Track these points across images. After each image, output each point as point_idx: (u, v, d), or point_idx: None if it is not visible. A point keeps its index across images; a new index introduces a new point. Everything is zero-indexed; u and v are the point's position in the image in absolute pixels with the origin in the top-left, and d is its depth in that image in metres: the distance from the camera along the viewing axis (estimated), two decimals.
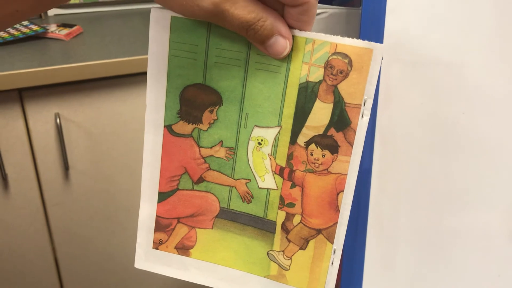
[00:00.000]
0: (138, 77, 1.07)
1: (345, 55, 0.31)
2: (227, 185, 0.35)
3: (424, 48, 0.53)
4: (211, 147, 0.34)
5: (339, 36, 0.32)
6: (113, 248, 1.24)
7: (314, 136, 0.32)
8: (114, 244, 1.23)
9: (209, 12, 0.29)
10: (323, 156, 0.33)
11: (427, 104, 0.54)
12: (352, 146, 0.32)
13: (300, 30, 0.31)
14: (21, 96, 1.00)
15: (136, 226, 1.18)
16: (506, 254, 0.59)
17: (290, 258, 0.36)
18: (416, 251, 0.60)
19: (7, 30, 1.10)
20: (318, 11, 0.63)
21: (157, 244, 0.37)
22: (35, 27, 1.15)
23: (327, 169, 0.33)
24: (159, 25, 0.32)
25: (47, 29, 1.15)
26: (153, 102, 0.34)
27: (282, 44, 0.30)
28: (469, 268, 0.60)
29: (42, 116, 1.03)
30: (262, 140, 0.33)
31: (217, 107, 0.33)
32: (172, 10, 0.30)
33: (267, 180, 0.34)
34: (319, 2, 0.49)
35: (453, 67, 0.52)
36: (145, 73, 1.07)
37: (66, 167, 1.08)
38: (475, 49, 0.52)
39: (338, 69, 0.31)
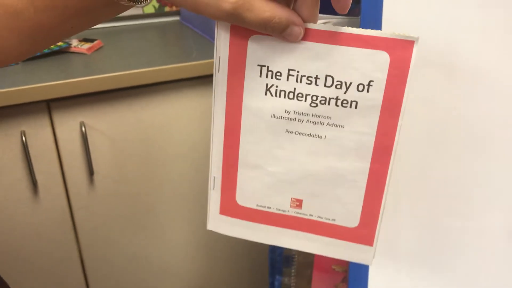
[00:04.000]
0: (156, 87, 1.14)
1: None
2: None
3: (418, 51, 0.59)
4: None
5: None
6: (136, 248, 1.30)
7: None
8: (136, 244, 1.30)
9: (229, 14, 0.34)
10: None
11: (423, 104, 0.60)
12: None
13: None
14: (49, 106, 1.07)
15: (158, 228, 1.25)
16: (506, 252, 0.63)
17: None
18: (416, 249, 0.66)
19: None
20: (323, 20, 0.70)
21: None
22: (59, 43, 1.23)
23: None
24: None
25: (70, 44, 1.23)
26: None
27: (296, 31, 0.36)
28: (469, 265, 0.65)
29: (68, 125, 1.10)
30: None
31: None
32: (196, 12, 0.35)
33: None
34: (323, 13, 0.55)
35: (444, 68, 0.58)
36: (163, 83, 1.14)
37: (91, 172, 1.15)
38: (464, 52, 0.57)
39: None
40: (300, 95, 0.39)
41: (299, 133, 0.40)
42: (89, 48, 1.22)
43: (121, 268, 1.31)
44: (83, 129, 1.10)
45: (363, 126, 0.39)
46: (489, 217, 0.63)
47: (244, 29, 0.37)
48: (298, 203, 0.43)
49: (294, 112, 0.39)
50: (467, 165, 0.61)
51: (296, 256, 0.78)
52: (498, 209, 0.62)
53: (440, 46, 0.57)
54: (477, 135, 0.60)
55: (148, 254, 1.33)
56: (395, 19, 0.57)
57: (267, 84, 0.39)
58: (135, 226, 1.28)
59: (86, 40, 1.27)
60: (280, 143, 0.41)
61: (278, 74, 0.38)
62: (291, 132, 0.40)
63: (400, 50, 0.36)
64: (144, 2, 0.39)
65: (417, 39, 0.36)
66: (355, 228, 0.43)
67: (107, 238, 1.26)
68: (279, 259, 0.81)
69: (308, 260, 0.76)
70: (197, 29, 1.41)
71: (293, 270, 0.78)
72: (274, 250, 0.83)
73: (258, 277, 1.51)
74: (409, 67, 0.37)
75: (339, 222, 0.43)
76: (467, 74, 0.57)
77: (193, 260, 1.40)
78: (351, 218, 0.43)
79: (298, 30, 0.36)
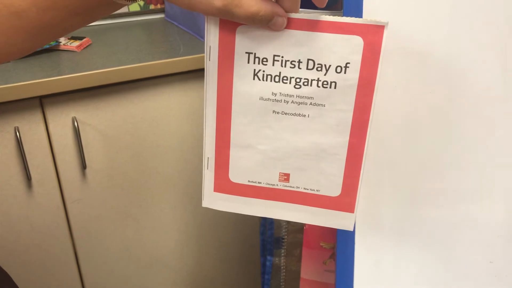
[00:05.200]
0: (146, 82, 1.18)
1: None
2: None
3: (396, 41, 0.64)
4: None
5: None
6: (128, 241, 1.34)
7: None
8: (128, 236, 1.34)
9: (220, 10, 0.38)
10: None
11: (399, 89, 0.65)
12: None
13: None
14: (41, 103, 1.10)
15: (149, 219, 1.30)
16: (499, 242, 0.68)
17: None
18: (399, 227, 0.71)
19: None
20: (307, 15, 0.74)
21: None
22: None
23: None
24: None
25: (60, 42, 1.26)
26: None
27: (280, 21, 0.40)
28: (462, 256, 0.70)
29: (61, 120, 1.13)
30: None
31: None
32: (189, 9, 0.39)
33: None
34: (305, 7, 0.59)
35: (419, 56, 0.63)
36: (152, 78, 1.18)
37: (83, 166, 1.18)
38: (437, 41, 0.62)
39: None
40: (285, 78, 0.43)
41: (285, 113, 0.44)
42: (79, 46, 1.25)
43: (114, 259, 1.35)
44: (76, 124, 1.13)
45: (342, 104, 0.43)
46: (464, 197, 0.67)
47: (231, 21, 0.41)
48: (286, 177, 0.47)
49: (280, 94, 0.44)
50: (441, 146, 0.66)
51: (286, 237, 0.82)
52: (474, 189, 0.67)
53: (416, 36, 0.62)
54: (451, 118, 0.64)
55: (140, 245, 1.37)
56: (375, 13, 0.62)
57: (254, 70, 0.43)
58: (127, 218, 1.31)
59: (74, 38, 1.30)
60: (269, 123, 0.45)
61: (265, 60, 0.43)
62: (278, 113, 0.44)
63: (372, 34, 0.41)
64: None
65: (387, 23, 0.40)
66: (337, 197, 0.47)
67: (100, 230, 1.29)
68: (269, 241, 0.85)
69: (296, 240, 0.81)
70: (182, 26, 1.45)
71: (283, 251, 0.83)
72: (265, 232, 0.88)
73: (248, 262, 1.56)
74: (380, 49, 0.41)
75: (323, 192, 0.47)
76: (439, 61, 0.62)
77: (184, 250, 1.45)
78: (333, 188, 0.47)
79: (282, 20, 0.40)
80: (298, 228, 0.79)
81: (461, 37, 0.61)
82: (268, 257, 0.86)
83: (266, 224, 0.89)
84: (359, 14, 0.62)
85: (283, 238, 0.83)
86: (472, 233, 0.68)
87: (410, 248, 0.70)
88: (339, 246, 0.71)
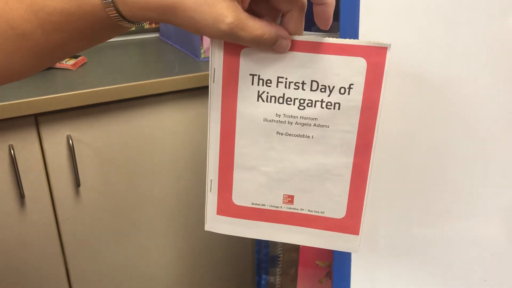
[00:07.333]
0: (141, 100, 1.19)
1: None
2: None
3: (392, 63, 0.66)
4: None
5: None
6: (120, 258, 1.33)
7: None
8: (121, 255, 1.33)
9: (226, 34, 0.38)
10: None
11: (397, 108, 0.66)
12: None
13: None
14: (36, 120, 1.11)
15: (142, 238, 1.29)
16: (492, 260, 0.69)
17: None
18: (395, 244, 0.71)
19: None
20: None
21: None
22: None
23: None
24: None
25: None
26: None
27: (284, 44, 0.41)
28: (456, 274, 0.70)
29: (55, 138, 1.13)
30: None
31: None
32: (196, 33, 0.39)
33: None
34: (306, 30, 0.60)
35: (415, 77, 0.64)
36: (147, 97, 1.18)
37: (77, 184, 1.18)
38: (432, 63, 0.64)
39: None
40: (289, 99, 0.43)
41: (289, 134, 0.44)
42: (74, 64, 1.25)
43: (106, 277, 1.34)
44: (70, 142, 1.14)
45: (346, 125, 0.43)
46: (457, 216, 0.68)
47: (236, 43, 0.41)
48: (290, 199, 0.47)
49: (284, 115, 0.44)
50: (435, 165, 0.67)
51: (281, 255, 0.83)
52: (468, 207, 0.68)
53: (411, 57, 0.63)
54: (444, 138, 0.66)
55: (132, 264, 1.36)
56: (370, 34, 0.63)
57: (258, 91, 0.43)
58: (119, 237, 1.31)
59: (70, 56, 1.30)
60: (272, 145, 0.45)
61: (269, 81, 0.43)
62: (282, 134, 0.44)
63: (375, 56, 0.41)
64: (142, 23, 0.42)
65: (389, 45, 0.41)
66: (342, 219, 0.47)
67: (92, 249, 1.29)
68: (265, 259, 0.85)
69: (291, 259, 0.81)
70: (176, 45, 1.46)
71: (278, 269, 0.83)
72: (260, 251, 0.88)
73: (241, 281, 1.55)
74: (383, 71, 0.42)
75: (328, 214, 0.47)
76: (435, 82, 0.63)
77: (177, 269, 1.44)
78: (338, 210, 0.47)
79: (286, 43, 0.41)
80: (293, 247, 0.79)
81: (454, 58, 0.62)
82: (263, 276, 0.86)
83: (262, 242, 0.89)
84: (355, 35, 0.63)
85: (278, 257, 0.83)
86: (466, 251, 0.69)
87: (406, 266, 0.71)
88: (335, 265, 0.71)
